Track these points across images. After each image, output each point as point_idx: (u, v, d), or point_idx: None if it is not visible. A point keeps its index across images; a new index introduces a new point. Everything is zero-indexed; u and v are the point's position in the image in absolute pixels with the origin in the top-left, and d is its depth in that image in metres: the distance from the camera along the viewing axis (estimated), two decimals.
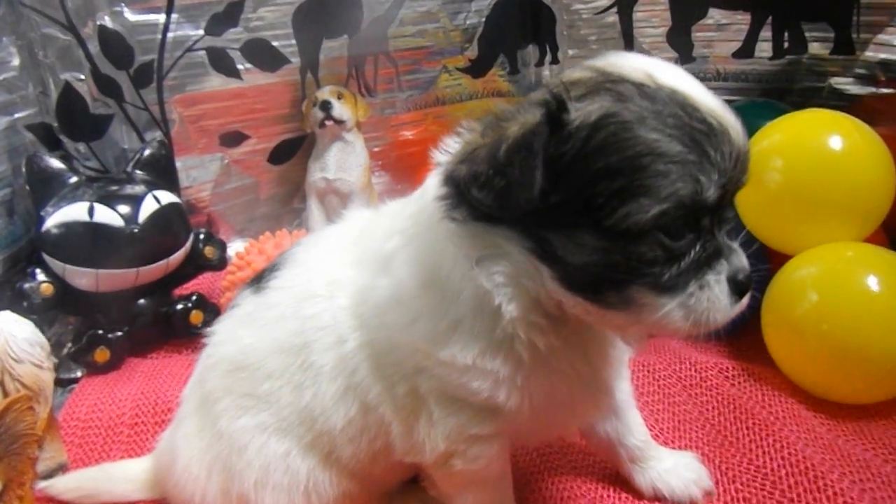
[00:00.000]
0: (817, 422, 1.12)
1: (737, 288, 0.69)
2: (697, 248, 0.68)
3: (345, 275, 0.86)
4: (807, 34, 1.76)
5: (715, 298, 0.68)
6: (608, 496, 1.00)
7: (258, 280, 0.97)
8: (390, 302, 0.79)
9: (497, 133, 0.67)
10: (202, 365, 0.99)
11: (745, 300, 0.71)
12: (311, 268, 0.91)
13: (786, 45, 1.81)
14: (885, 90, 1.57)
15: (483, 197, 0.66)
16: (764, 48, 1.86)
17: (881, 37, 1.60)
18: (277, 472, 0.88)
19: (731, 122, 0.67)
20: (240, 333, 0.93)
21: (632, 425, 0.98)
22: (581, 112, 0.65)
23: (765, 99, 1.79)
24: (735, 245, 0.71)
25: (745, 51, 1.90)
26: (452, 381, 0.77)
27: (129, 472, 1.11)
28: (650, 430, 1.03)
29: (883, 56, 1.58)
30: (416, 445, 0.83)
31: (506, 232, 0.70)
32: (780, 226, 1.32)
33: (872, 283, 1.14)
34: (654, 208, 0.63)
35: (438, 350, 0.76)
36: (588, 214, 0.65)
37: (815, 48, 1.75)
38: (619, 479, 1.02)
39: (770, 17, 1.83)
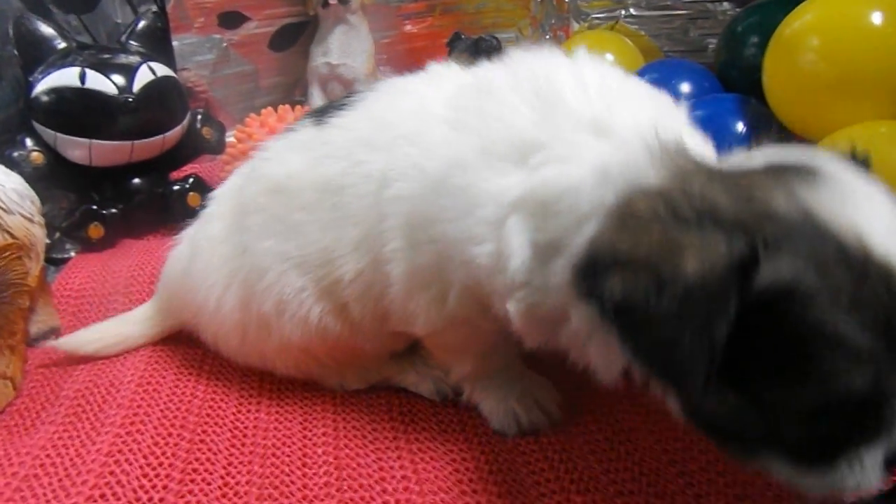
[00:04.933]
0: None
1: (892, 461, 0.57)
2: (857, 425, 0.56)
3: (427, 129, 0.77)
4: None
5: (863, 477, 0.57)
6: None
7: (322, 112, 0.91)
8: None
9: (669, 254, 0.53)
10: (245, 174, 0.96)
11: None
12: (379, 116, 0.84)
13: None
14: None
15: (627, 341, 0.55)
16: None
17: None
18: (293, 305, 0.85)
19: None
20: (289, 157, 0.89)
21: None
22: (769, 271, 0.52)
23: None
24: None
25: None
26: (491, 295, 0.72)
27: (142, 313, 1.08)
28: None
29: None
30: (410, 315, 0.79)
31: None
32: (813, 109, 1.26)
33: None
34: (816, 399, 0.54)
35: (502, 294, 0.70)
36: (733, 370, 0.54)
37: None
38: None
39: None
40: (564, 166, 0.66)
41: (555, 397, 0.87)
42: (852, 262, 0.52)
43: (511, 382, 0.87)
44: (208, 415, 0.90)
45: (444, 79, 0.84)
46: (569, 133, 0.67)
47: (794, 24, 1.31)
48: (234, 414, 0.91)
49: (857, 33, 1.21)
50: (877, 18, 1.20)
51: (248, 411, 0.91)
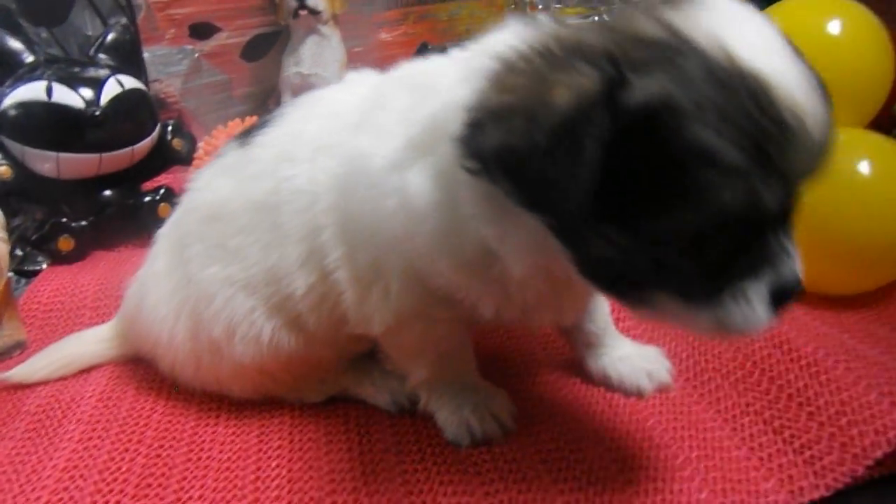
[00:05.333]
0: (800, 311, 1.09)
1: (779, 299, 0.59)
2: (741, 256, 0.58)
3: (339, 140, 0.80)
4: None
5: (749, 312, 0.59)
6: (558, 380, 0.97)
7: (247, 133, 0.93)
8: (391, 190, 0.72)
9: (540, 93, 0.54)
10: (182, 207, 0.97)
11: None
12: (297, 129, 0.87)
13: None
14: None
15: (512, 187, 0.57)
16: None
17: None
18: (243, 326, 0.86)
19: (813, 113, 0.54)
20: (218, 183, 0.91)
21: (593, 312, 0.93)
22: (638, 90, 0.53)
23: None
24: (790, 246, 0.59)
25: None
26: (426, 267, 0.73)
27: (100, 333, 1.08)
28: (621, 324, 1.00)
29: None
30: (366, 316, 0.81)
31: None
32: None
33: (864, 167, 1.09)
34: (694, 222, 0.54)
35: (430, 254, 0.71)
36: (615, 207, 0.56)
37: None
38: (575, 366, 0.98)
39: None
40: (436, 95, 0.68)
41: (509, 408, 0.87)
42: (721, 77, 0.53)
43: (466, 392, 0.88)
44: (167, 429, 0.91)
45: (357, 85, 0.87)
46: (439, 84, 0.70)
47: None
48: (192, 428, 0.91)
49: (816, 41, 1.22)
50: (835, 27, 1.22)
51: (207, 425, 0.92)
